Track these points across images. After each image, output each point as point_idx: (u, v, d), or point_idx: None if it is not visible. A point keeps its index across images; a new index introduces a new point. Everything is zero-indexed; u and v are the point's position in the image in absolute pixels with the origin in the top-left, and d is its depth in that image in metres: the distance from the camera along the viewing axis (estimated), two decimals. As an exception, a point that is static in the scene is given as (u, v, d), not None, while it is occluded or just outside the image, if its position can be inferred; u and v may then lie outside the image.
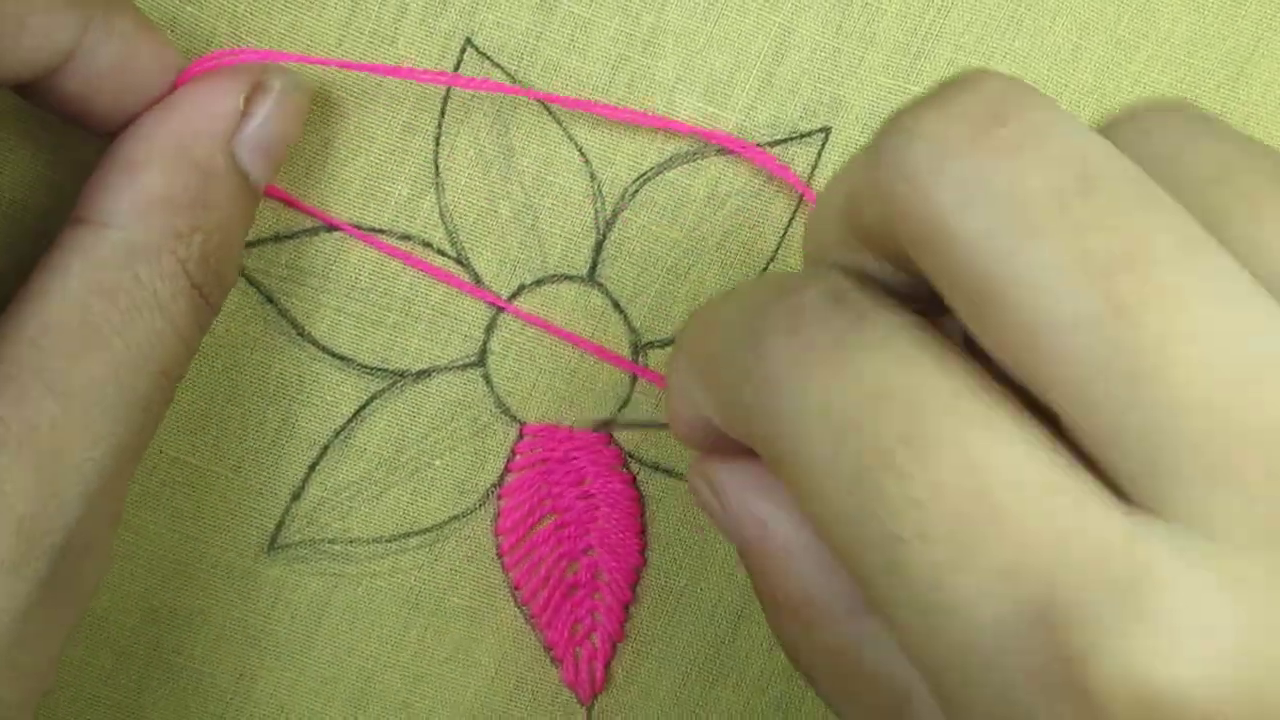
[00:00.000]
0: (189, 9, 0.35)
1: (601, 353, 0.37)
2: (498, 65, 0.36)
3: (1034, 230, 0.21)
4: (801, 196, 0.37)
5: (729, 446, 0.28)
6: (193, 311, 0.32)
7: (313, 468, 0.37)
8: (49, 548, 0.29)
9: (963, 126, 0.22)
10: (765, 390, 0.24)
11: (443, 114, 0.36)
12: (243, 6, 0.35)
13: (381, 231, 0.37)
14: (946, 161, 0.22)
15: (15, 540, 0.28)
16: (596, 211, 0.37)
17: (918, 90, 0.36)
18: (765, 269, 0.37)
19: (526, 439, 0.38)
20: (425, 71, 0.35)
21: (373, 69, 0.35)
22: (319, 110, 0.36)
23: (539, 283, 0.37)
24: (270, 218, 0.36)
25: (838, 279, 0.25)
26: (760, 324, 0.25)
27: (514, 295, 0.37)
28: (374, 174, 0.36)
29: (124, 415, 0.30)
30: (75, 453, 0.29)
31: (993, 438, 0.22)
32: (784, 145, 0.37)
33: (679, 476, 0.38)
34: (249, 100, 0.33)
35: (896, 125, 0.23)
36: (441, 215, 0.37)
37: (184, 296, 0.31)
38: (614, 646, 0.38)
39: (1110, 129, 0.25)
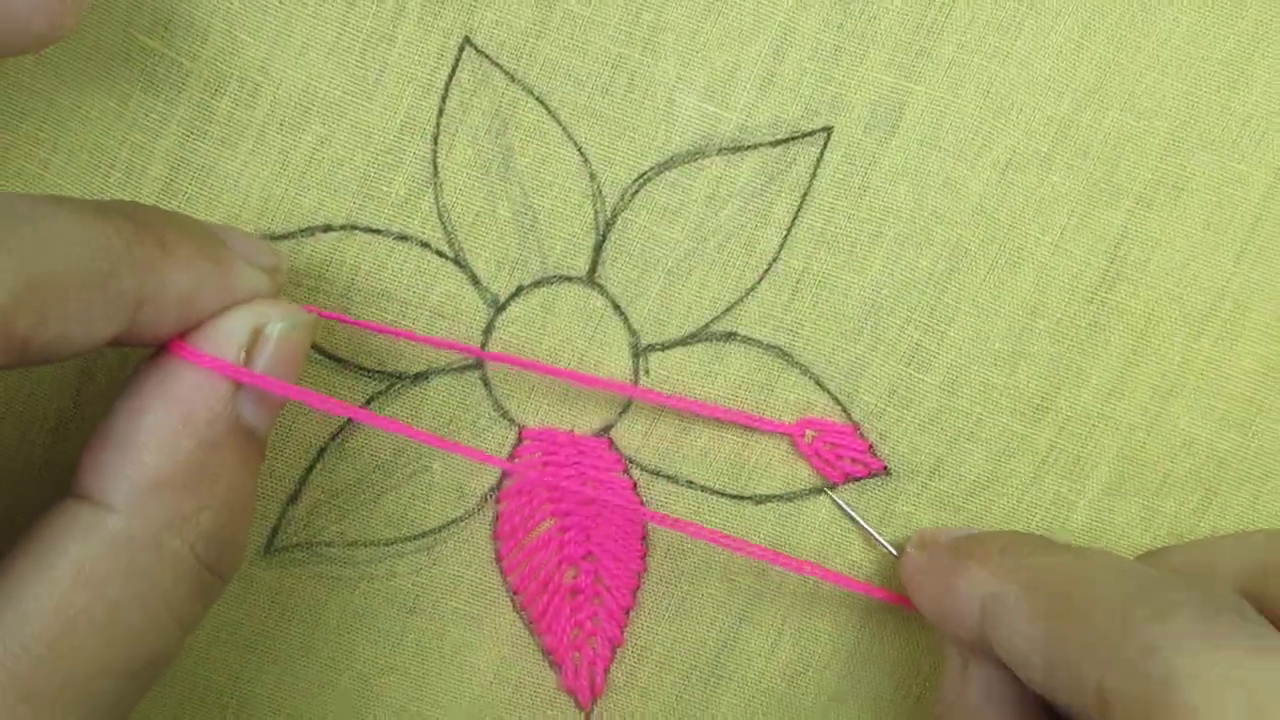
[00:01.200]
0: (184, 6, 0.35)
1: (594, 381, 0.37)
2: (496, 64, 0.36)
3: None
4: (802, 199, 0.37)
5: (974, 639, 0.33)
6: (197, 593, 0.30)
7: (309, 471, 0.37)
8: None
9: None
10: (1158, 652, 0.28)
11: (441, 113, 0.36)
12: (237, 5, 0.35)
13: (379, 232, 0.36)
14: None
15: None
16: (596, 212, 0.37)
17: (920, 89, 0.36)
18: (766, 270, 0.37)
19: (525, 442, 0.37)
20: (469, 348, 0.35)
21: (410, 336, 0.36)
22: (316, 109, 0.36)
23: (538, 283, 0.37)
24: (267, 216, 0.36)
25: (1240, 599, 0.29)
26: (1160, 595, 0.29)
27: (513, 296, 0.37)
28: (371, 173, 0.36)
29: (93, 714, 0.28)
30: None
31: None
32: (785, 144, 0.36)
33: (679, 482, 0.38)
34: (248, 351, 0.31)
35: None
36: (440, 215, 0.36)
37: (188, 580, 0.30)
38: (613, 651, 0.38)
39: None
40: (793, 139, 0.36)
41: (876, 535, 0.38)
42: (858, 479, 0.38)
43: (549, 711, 0.38)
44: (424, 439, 0.33)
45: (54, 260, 0.27)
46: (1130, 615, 0.29)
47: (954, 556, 0.34)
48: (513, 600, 0.38)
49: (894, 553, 0.37)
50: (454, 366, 0.37)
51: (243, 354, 0.30)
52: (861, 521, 0.38)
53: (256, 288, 0.31)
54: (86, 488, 0.29)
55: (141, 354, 0.31)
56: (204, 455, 0.30)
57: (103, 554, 0.29)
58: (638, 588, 0.38)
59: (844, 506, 0.38)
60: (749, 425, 0.37)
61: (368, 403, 0.37)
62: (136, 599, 0.29)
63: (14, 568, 0.29)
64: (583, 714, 0.38)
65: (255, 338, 0.31)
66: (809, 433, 0.38)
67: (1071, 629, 0.30)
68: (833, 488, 0.38)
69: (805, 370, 0.37)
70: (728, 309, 0.37)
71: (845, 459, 0.38)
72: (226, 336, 0.30)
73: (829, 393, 0.37)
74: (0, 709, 0.27)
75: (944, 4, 0.36)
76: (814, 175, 0.37)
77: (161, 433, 0.29)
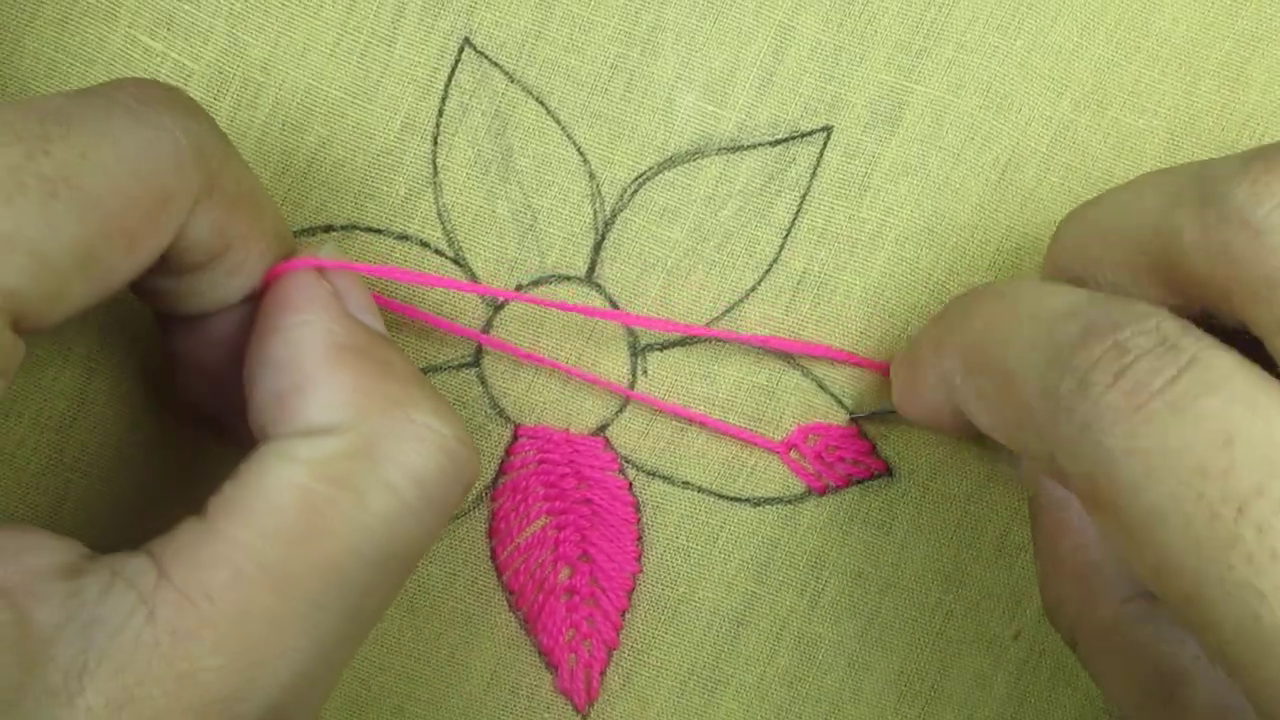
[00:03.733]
0: (186, 7, 0.35)
1: (593, 379, 0.37)
2: (496, 65, 0.36)
3: None
4: (802, 199, 0.37)
5: (966, 428, 0.31)
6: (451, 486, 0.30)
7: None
8: None
9: None
10: (1089, 429, 0.25)
11: (441, 113, 0.36)
12: (239, 5, 0.35)
13: (379, 232, 0.36)
14: None
15: None
16: (595, 212, 0.37)
17: (921, 89, 0.36)
18: (766, 271, 0.37)
19: (521, 440, 0.37)
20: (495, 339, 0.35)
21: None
22: (318, 109, 0.36)
23: (537, 283, 0.37)
24: (266, 216, 0.36)
25: (1164, 319, 0.26)
26: (1077, 358, 0.26)
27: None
28: (371, 173, 0.36)
29: (342, 606, 0.28)
30: (284, 641, 0.28)
31: None
32: (785, 144, 0.36)
33: (676, 483, 0.38)
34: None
35: (1238, 174, 0.25)
36: (439, 215, 0.36)
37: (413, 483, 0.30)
38: (609, 654, 0.38)
39: None
40: (792, 138, 0.37)
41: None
42: (860, 480, 0.38)
43: (545, 714, 0.38)
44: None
45: (263, 195, 0.31)
46: (1057, 391, 0.27)
47: (909, 364, 0.34)
48: (508, 600, 0.38)
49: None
50: (451, 364, 0.37)
51: (323, 285, 0.32)
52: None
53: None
54: (287, 426, 0.30)
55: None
56: (378, 356, 0.31)
57: (337, 457, 0.29)
58: (633, 589, 0.38)
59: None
60: (740, 438, 0.37)
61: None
62: (374, 489, 0.29)
63: (252, 469, 0.29)
64: (579, 717, 0.38)
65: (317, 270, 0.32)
66: (812, 436, 0.37)
67: (1012, 409, 0.29)
68: (822, 496, 0.38)
69: (806, 372, 0.37)
70: (727, 309, 0.37)
71: (848, 460, 0.38)
72: (310, 280, 0.32)
73: (830, 394, 0.37)
74: (255, 600, 0.27)
75: (944, 4, 0.36)
76: (814, 175, 0.37)
77: (324, 359, 0.30)
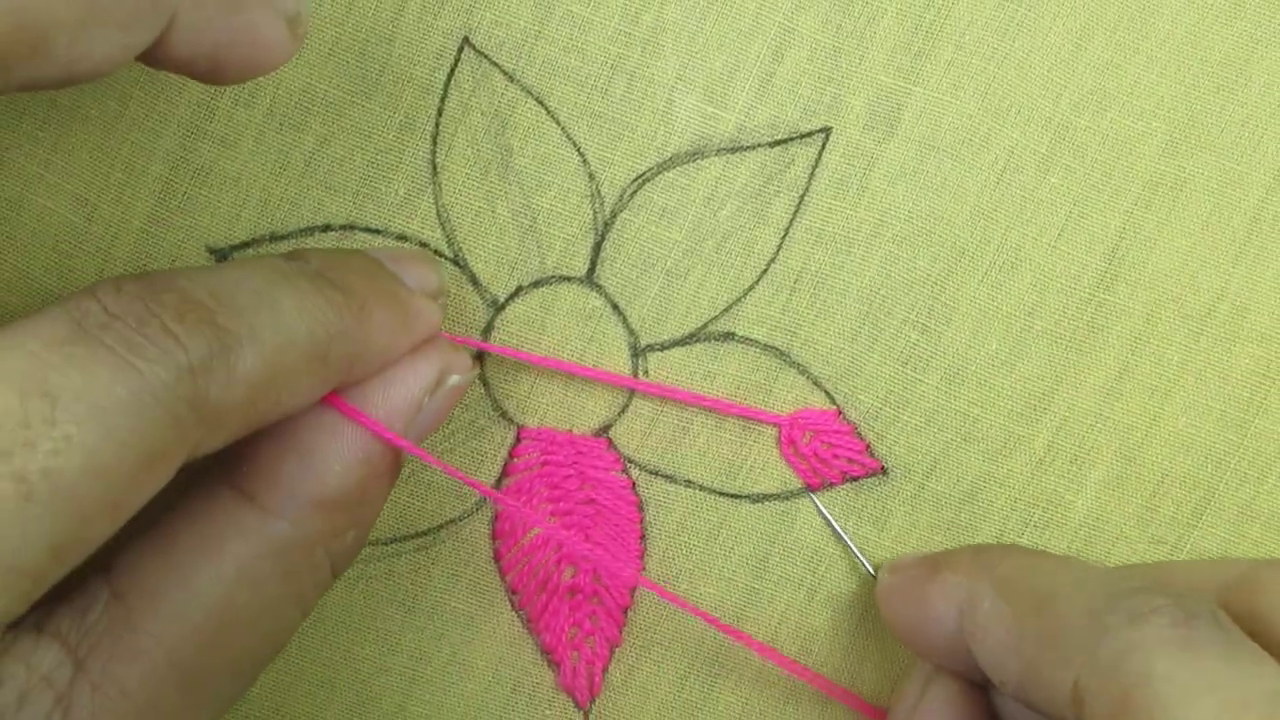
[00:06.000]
0: (184, 6, 0.35)
1: (597, 374, 0.37)
2: (495, 64, 0.36)
3: None
4: (800, 199, 0.37)
5: (948, 655, 0.34)
6: (320, 593, 0.32)
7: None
8: None
9: None
10: (1137, 649, 0.28)
11: (440, 113, 0.36)
12: (238, 4, 0.35)
13: (378, 232, 0.36)
14: None
15: None
16: (595, 212, 0.37)
17: (919, 90, 0.36)
18: (765, 270, 0.37)
19: (524, 442, 0.37)
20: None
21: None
22: (316, 108, 0.36)
23: (537, 283, 0.37)
24: (266, 216, 0.36)
25: (1217, 609, 0.29)
26: (1136, 599, 0.29)
27: (512, 296, 0.37)
28: (371, 173, 0.36)
29: (231, 697, 0.31)
30: None
31: None
32: (784, 145, 0.36)
33: (678, 481, 0.38)
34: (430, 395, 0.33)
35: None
36: (439, 215, 0.36)
37: (321, 586, 0.32)
38: (612, 651, 0.38)
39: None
40: (791, 139, 0.37)
41: (859, 555, 0.38)
42: (855, 479, 0.38)
43: (547, 711, 0.38)
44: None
45: (288, 348, 0.29)
46: (1106, 616, 0.29)
47: (927, 569, 0.35)
48: (511, 599, 0.38)
49: (872, 572, 0.38)
50: (453, 366, 0.37)
51: (425, 396, 0.33)
52: (846, 538, 0.38)
53: (432, 324, 0.33)
54: (253, 490, 0.31)
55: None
56: (369, 484, 0.32)
57: (266, 556, 0.30)
58: (636, 587, 0.38)
59: (832, 522, 0.38)
60: (742, 415, 0.37)
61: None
62: (286, 599, 0.31)
63: (177, 558, 0.30)
64: (581, 713, 0.38)
65: (440, 381, 0.33)
66: (807, 434, 0.38)
67: (1047, 628, 0.30)
68: (817, 492, 0.38)
69: (803, 370, 0.37)
70: (726, 309, 0.37)
71: (843, 459, 0.38)
72: (424, 374, 0.33)
73: (826, 392, 0.37)
74: (163, 694, 0.28)
75: (942, 5, 0.36)
76: (812, 176, 0.37)
77: (345, 460, 0.31)
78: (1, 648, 0.28)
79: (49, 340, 0.26)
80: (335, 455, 0.31)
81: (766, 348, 0.37)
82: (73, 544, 0.26)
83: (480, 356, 0.37)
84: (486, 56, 0.36)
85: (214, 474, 0.31)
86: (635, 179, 0.36)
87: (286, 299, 0.30)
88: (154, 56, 0.29)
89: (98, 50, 0.27)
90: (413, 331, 0.33)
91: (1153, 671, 0.27)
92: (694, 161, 0.36)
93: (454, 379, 0.33)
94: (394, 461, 0.32)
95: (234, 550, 0.30)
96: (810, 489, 0.38)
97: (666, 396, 0.37)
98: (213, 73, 0.30)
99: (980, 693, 0.35)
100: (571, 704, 0.38)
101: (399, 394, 0.32)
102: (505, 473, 0.37)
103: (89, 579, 0.29)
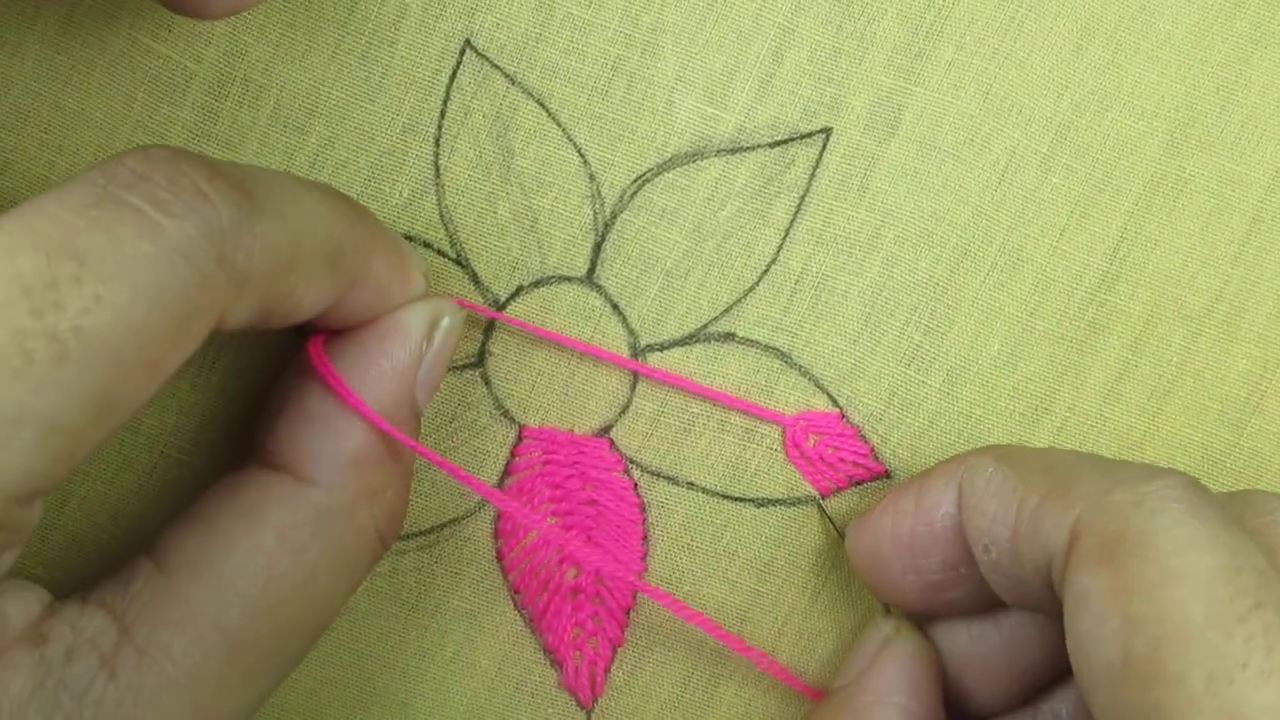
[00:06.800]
0: (188, 10, 0.35)
1: (600, 354, 0.37)
2: (497, 67, 0.36)
3: None
4: (801, 200, 0.37)
5: (927, 576, 0.34)
6: (371, 561, 0.32)
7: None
8: None
9: None
10: (1151, 517, 0.28)
11: (443, 115, 0.36)
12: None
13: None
14: None
15: None
16: (595, 213, 0.37)
17: (919, 90, 0.36)
18: (765, 271, 0.37)
19: (525, 441, 0.38)
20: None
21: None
22: (319, 111, 0.36)
23: (538, 284, 0.37)
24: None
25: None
26: (1154, 474, 0.29)
27: (513, 296, 0.37)
28: (374, 175, 0.36)
29: (281, 671, 0.31)
30: (229, 702, 0.29)
31: None
32: (784, 146, 0.37)
33: (680, 484, 0.38)
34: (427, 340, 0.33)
35: None
36: (441, 216, 0.37)
37: (368, 550, 0.32)
38: (614, 651, 0.38)
39: None
40: (791, 140, 0.37)
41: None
42: (860, 482, 0.38)
43: (549, 710, 0.38)
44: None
45: (308, 233, 0.29)
46: (1118, 472, 0.29)
47: (912, 481, 0.35)
48: (513, 599, 0.38)
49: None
50: (455, 364, 0.37)
51: (423, 341, 0.33)
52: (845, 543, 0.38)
53: (422, 286, 0.34)
54: (282, 462, 0.31)
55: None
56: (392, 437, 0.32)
57: (305, 522, 0.31)
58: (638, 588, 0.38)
59: (837, 529, 0.38)
60: (746, 411, 0.37)
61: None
62: (330, 564, 0.31)
63: (217, 529, 0.30)
64: (584, 713, 0.38)
65: (433, 327, 0.33)
66: (812, 436, 0.38)
67: (1054, 482, 0.30)
68: (824, 499, 0.38)
69: (804, 372, 0.37)
70: (726, 310, 0.37)
71: (848, 462, 0.38)
72: (417, 324, 0.33)
73: (828, 394, 0.37)
74: (209, 662, 0.29)
75: (943, 6, 0.36)
76: (813, 176, 0.37)
77: (361, 417, 0.32)
78: (47, 611, 0.28)
79: (75, 205, 0.26)
80: (353, 413, 0.32)
81: (768, 349, 0.37)
82: (110, 402, 0.26)
83: (481, 356, 0.37)
84: (488, 59, 0.36)
85: (244, 459, 0.32)
86: (635, 180, 0.37)
87: (308, 195, 0.30)
88: None
89: None
90: (407, 283, 0.33)
91: (1155, 521, 0.28)
92: (694, 162, 0.37)
93: (445, 320, 0.33)
94: (412, 408, 0.33)
95: (273, 519, 0.30)
96: (817, 492, 0.38)
97: (670, 384, 0.37)
98: None
99: (934, 657, 0.35)
100: (574, 703, 0.38)
101: (397, 345, 0.32)
102: (507, 472, 0.38)
103: (133, 559, 0.30)
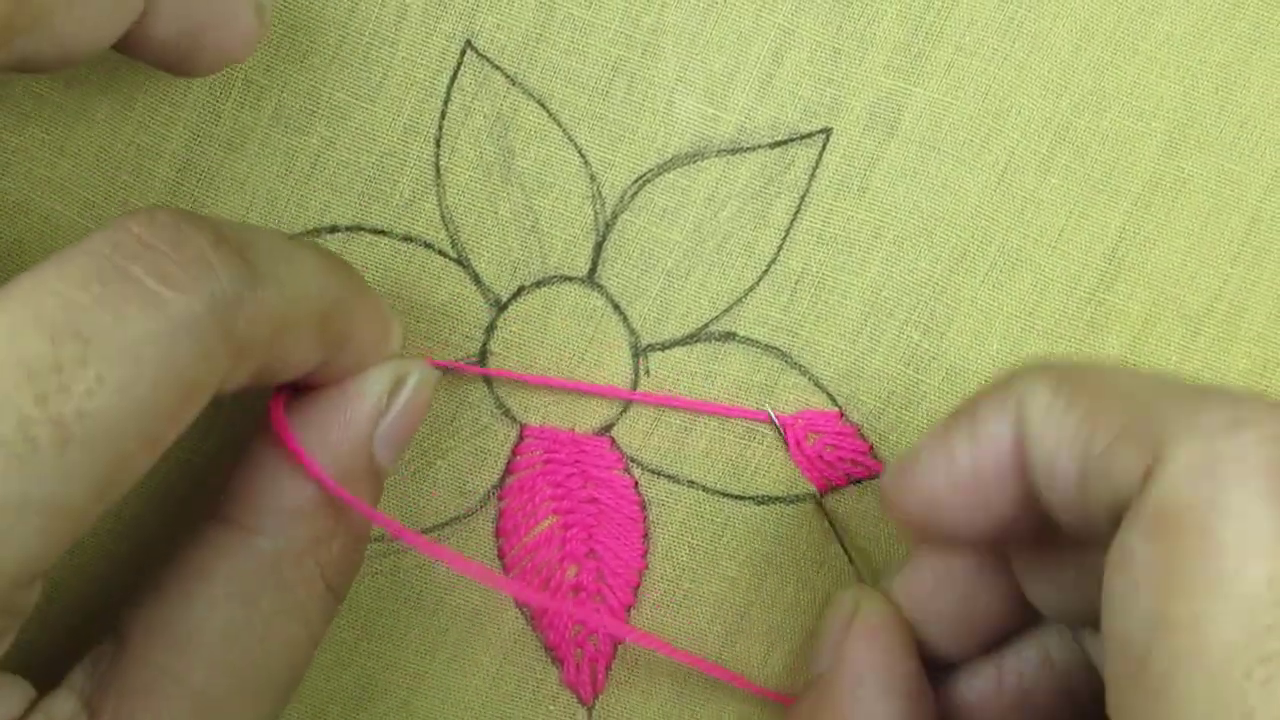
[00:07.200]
0: (190, 11, 0.35)
1: (592, 389, 0.37)
2: (498, 67, 0.36)
3: None
4: (801, 200, 0.37)
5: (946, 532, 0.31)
6: (324, 612, 0.32)
7: (313, 469, 0.37)
8: None
9: None
10: (1214, 495, 0.25)
11: (444, 116, 0.36)
12: (243, 8, 0.35)
13: (384, 233, 0.37)
14: None
15: None
16: (596, 213, 0.37)
17: (919, 91, 0.36)
18: (765, 271, 0.37)
19: (527, 440, 0.38)
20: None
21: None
22: (321, 111, 0.36)
23: (539, 284, 0.37)
24: (273, 218, 0.36)
25: None
26: (1241, 415, 0.26)
27: (514, 296, 0.37)
28: (375, 175, 0.36)
29: (254, 716, 0.31)
30: None
31: None
32: (784, 146, 0.37)
33: (681, 482, 0.38)
34: (388, 396, 0.33)
35: None
36: (443, 216, 0.37)
37: (318, 600, 0.32)
38: (615, 648, 0.38)
39: None
40: (791, 140, 0.37)
41: (855, 562, 0.38)
42: (859, 480, 0.38)
43: (551, 707, 0.38)
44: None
45: (303, 298, 0.29)
46: (1198, 416, 0.26)
47: (963, 407, 0.32)
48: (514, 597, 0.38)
49: (863, 578, 0.38)
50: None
51: (384, 399, 0.33)
52: (845, 544, 0.38)
53: (397, 346, 0.34)
54: (230, 514, 0.31)
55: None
56: (342, 487, 0.32)
57: (253, 571, 0.31)
58: (639, 585, 0.38)
59: (836, 528, 0.38)
60: (742, 417, 0.37)
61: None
62: (285, 613, 0.31)
63: (173, 590, 0.30)
64: (585, 710, 0.38)
65: (397, 385, 0.33)
66: (811, 435, 0.38)
67: (1124, 422, 0.27)
68: (822, 497, 0.38)
69: (804, 371, 0.38)
70: (727, 309, 0.37)
71: (847, 460, 0.38)
72: (378, 382, 0.33)
73: (828, 394, 0.38)
74: (165, 708, 0.29)
75: (943, 7, 0.36)
76: (813, 177, 0.37)
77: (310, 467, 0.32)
78: (31, 706, 0.28)
79: (78, 279, 0.26)
80: (300, 463, 0.31)
81: (768, 348, 0.37)
82: (112, 482, 0.26)
83: (483, 356, 0.37)
84: (489, 60, 0.36)
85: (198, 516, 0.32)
86: (636, 180, 0.37)
87: (304, 257, 0.30)
88: (134, 37, 0.29)
89: (90, 21, 0.28)
90: (386, 341, 0.33)
91: (1225, 497, 0.25)
92: (694, 163, 0.37)
93: (412, 378, 0.33)
94: (368, 465, 0.32)
95: (223, 571, 0.30)
96: (818, 490, 0.38)
97: (662, 404, 0.37)
98: (187, 57, 0.31)
99: (902, 619, 0.34)
100: (575, 700, 0.38)
101: (355, 402, 0.32)
102: (508, 470, 0.38)
103: (103, 640, 0.30)
